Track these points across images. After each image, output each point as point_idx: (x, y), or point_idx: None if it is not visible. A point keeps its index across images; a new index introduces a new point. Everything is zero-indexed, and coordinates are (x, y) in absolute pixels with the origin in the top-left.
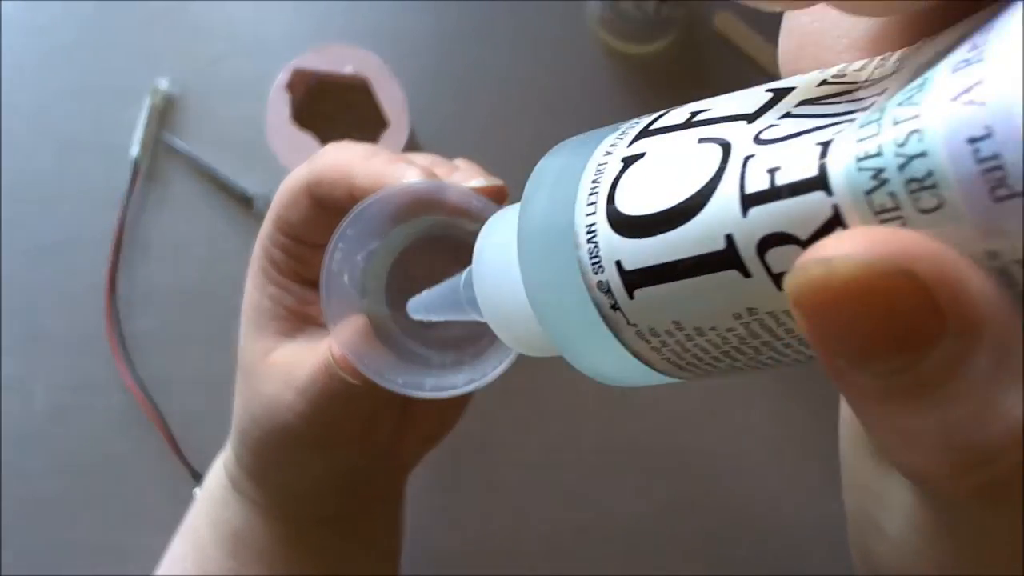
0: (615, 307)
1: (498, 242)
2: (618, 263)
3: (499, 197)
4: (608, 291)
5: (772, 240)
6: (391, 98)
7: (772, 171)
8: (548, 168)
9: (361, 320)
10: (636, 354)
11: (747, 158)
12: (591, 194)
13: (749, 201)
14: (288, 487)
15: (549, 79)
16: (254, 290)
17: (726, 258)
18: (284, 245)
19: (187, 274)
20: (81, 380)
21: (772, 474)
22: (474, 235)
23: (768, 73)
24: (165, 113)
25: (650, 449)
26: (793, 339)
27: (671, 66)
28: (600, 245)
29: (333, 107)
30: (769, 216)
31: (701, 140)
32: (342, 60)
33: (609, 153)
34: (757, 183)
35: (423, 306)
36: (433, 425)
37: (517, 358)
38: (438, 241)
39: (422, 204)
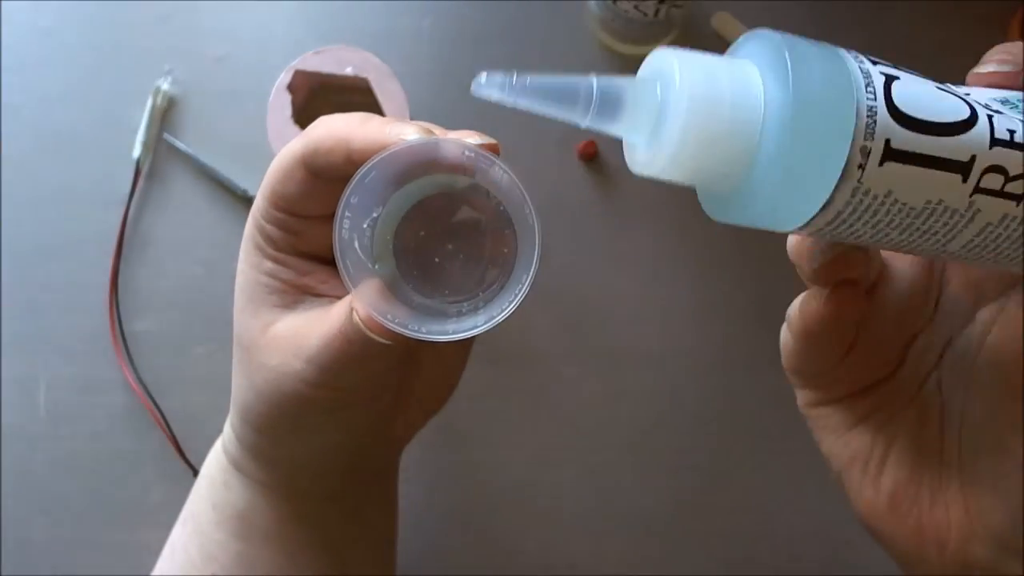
0: (861, 167)
1: (704, 76)
2: (887, 140)
3: (494, 152)
4: (867, 154)
5: (993, 168)
6: (392, 99)
7: (1011, 132)
8: (802, 53)
9: (377, 281)
10: (830, 202)
11: (991, 115)
12: (867, 87)
13: (995, 142)
14: (292, 462)
15: None
16: (249, 268)
17: (960, 166)
18: (279, 220)
19: (189, 274)
20: (83, 380)
21: (776, 470)
22: (469, 188)
23: None
24: (167, 114)
25: (653, 447)
26: (933, 234)
27: None
28: (877, 123)
29: (334, 108)
30: (1001, 155)
31: (938, 88)
32: (343, 61)
33: (863, 64)
34: (1002, 134)
35: (521, 86)
36: (428, 396)
37: (527, 295)
38: (438, 199)
39: (420, 164)
